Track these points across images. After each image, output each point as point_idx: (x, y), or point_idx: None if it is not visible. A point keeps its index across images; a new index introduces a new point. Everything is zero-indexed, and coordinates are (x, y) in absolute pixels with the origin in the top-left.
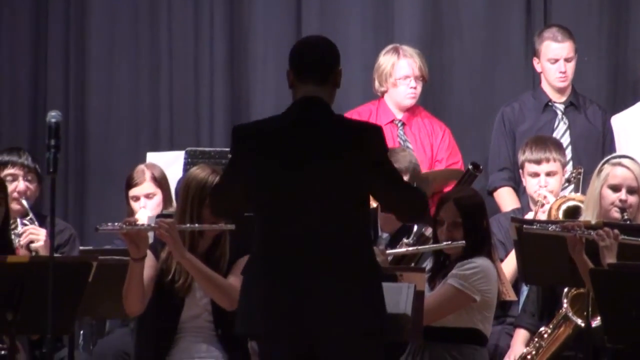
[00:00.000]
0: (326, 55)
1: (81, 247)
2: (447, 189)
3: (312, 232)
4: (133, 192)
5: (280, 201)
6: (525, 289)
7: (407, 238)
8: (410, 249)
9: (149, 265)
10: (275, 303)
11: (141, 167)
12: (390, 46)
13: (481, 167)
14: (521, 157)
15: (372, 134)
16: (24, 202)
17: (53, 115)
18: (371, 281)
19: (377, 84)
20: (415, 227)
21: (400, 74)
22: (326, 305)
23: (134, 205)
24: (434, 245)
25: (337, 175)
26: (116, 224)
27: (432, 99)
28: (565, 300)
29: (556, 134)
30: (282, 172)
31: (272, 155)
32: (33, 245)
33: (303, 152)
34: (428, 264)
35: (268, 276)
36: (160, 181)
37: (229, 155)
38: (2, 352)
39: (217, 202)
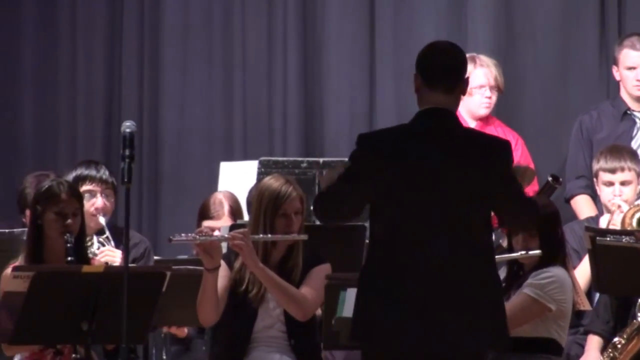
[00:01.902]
0: (457, 63)
1: (155, 257)
2: None
3: (441, 248)
4: (208, 223)
5: (409, 214)
6: (597, 295)
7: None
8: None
9: (223, 275)
10: (409, 323)
11: (219, 198)
12: (467, 55)
13: (560, 179)
14: (596, 166)
15: (503, 148)
16: (102, 220)
17: (128, 126)
18: (496, 297)
19: None
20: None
21: (475, 83)
22: (458, 326)
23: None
24: (510, 254)
25: (467, 190)
26: (190, 234)
27: (505, 107)
28: (639, 313)
29: (634, 143)
30: (411, 185)
31: (401, 167)
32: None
33: (433, 165)
34: (501, 274)
35: (396, 292)
36: (236, 214)
37: (348, 163)
38: None
39: (326, 205)
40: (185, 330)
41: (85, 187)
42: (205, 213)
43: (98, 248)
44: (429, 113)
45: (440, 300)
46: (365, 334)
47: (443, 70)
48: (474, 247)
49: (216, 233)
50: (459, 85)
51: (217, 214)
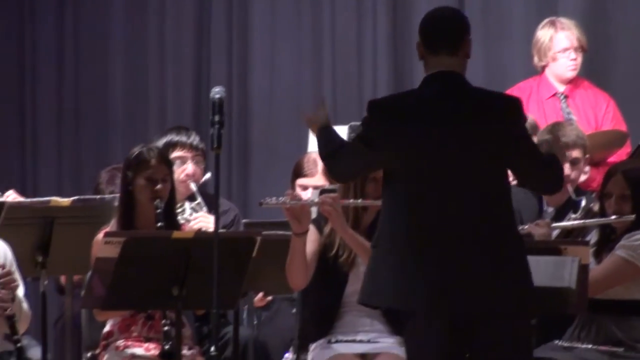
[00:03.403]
0: (456, 25)
1: (245, 220)
2: (609, 156)
3: (459, 206)
4: (302, 181)
5: (424, 176)
6: None
7: (574, 213)
8: (577, 222)
9: (313, 239)
10: (429, 280)
11: (313, 156)
12: (546, 20)
13: None
14: None
15: (513, 105)
16: (192, 186)
17: (217, 92)
18: (520, 257)
19: (536, 58)
20: (583, 202)
21: (559, 46)
22: (478, 282)
23: (300, 193)
24: (602, 219)
25: (481, 148)
26: (280, 198)
27: (597, 70)
28: None
29: None
30: (425, 147)
31: (414, 130)
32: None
33: (445, 125)
34: (593, 238)
35: (417, 251)
36: None
37: (360, 128)
38: (167, 328)
39: (340, 168)
40: (269, 298)
41: (175, 154)
42: (298, 171)
43: (191, 214)
44: (436, 77)
45: (462, 262)
46: (383, 298)
47: (443, 34)
48: (492, 207)
49: (306, 196)
50: (462, 47)
51: (311, 172)
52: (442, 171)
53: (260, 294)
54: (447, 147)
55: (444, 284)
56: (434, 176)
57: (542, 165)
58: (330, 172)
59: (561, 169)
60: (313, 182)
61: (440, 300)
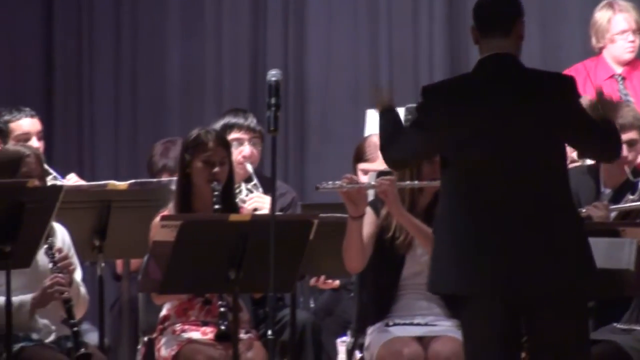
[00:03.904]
0: (509, 8)
1: (301, 203)
2: None
3: (519, 189)
4: (363, 166)
5: (482, 159)
6: None
7: (632, 194)
8: (635, 204)
9: (369, 222)
10: (490, 264)
11: (374, 140)
12: (604, 1)
13: None
14: None
15: (567, 83)
16: (249, 167)
17: (273, 74)
18: (580, 237)
19: (594, 40)
20: None
21: (617, 29)
22: (539, 264)
23: (362, 178)
24: None
25: (539, 128)
26: (337, 182)
27: None
28: None
29: None
30: (481, 129)
31: (469, 112)
32: (258, 213)
33: (501, 107)
34: None
35: (477, 236)
36: None
37: (416, 114)
38: (223, 309)
39: (397, 155)
40: (337, 282)
41: (233, 135)
42: (360, 156)
43: (247, 195)
44: (490, 59)
45: (523, 245)
46: (445, 283)
47: (495, 17)
48: (551, 188)
49: (364, 179)
50: (514, 28)
51: (372, 157)
52: (500, 154)
53: (322, 277)
54: (503, 129)
55: (504, 267)
56: (492, 160)
57: (601, 136)
58: (386, 159)
59: (618, 135)
60: (374, 167)
61: (500, 284)
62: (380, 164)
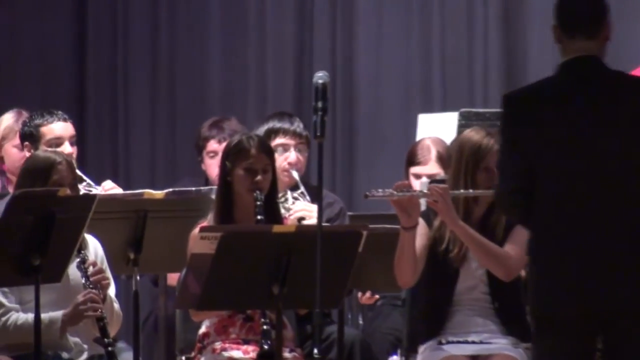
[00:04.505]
0: (596, 7)
1: (350, 213)
2: None
3: (609, 205)
4: (415, 170)
5: (571, 170)
6: None
7: None
8: None
9: (421, 233)
10: (585, 284)
11: (426, 143)
12: None
13: None
14: None
15: None
16: (295, 174)
17: (320, 76)
18: None
19: None
20: None
21: None
22: (623, 280)
23: (414, 183)
24: None
25: (630, 142)
26: (387, 190)
27: None
28: None
29: None
30: (572, 144)
31: (558, 125)
32: (304, 222)
33: (591, 119)
34: None
35: (573, 255)
36: (444, 160)
37: (500, 135)
38: (266, 327)
39: (511, 205)
40: (376, 296)
41: (277, 141)
42: (411, 159)
43: (293, 203)
44: (573, 63)
45: (609, 261)
46: (550, 301)
47: (581, 16)
48: (635, 202)
49: (416, 186)
50: (601, 30)
51: (424, 160)
52: (589, 164)
53: (368, 293)
54: (597, 137)
55: (589, 284)
56: (581, 170)
57: None
58: (505, 214)
59: None
60: (426, 171)
61: (584, 303)
62: (432, 167)
